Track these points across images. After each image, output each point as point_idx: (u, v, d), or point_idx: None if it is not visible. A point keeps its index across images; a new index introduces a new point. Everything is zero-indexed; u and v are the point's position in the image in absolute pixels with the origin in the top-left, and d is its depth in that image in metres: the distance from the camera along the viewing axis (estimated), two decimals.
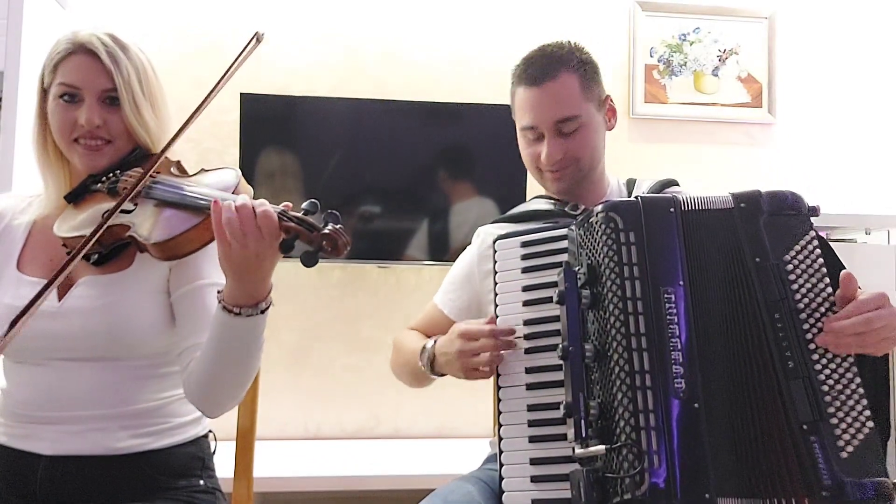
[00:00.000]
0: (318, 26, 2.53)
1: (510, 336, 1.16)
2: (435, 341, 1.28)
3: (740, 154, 2.71)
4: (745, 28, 2.69)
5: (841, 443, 0.94)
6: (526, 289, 1.19)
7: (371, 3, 2.56)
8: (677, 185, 1.45)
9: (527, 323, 1.17)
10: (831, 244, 1.08)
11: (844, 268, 1.04)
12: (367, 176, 2.42)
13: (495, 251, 1.25)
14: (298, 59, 2.52)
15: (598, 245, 1.05)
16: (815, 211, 1.06)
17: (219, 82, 1.13)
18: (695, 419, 0.95)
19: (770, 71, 2.70)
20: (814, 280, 1.01)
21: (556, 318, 1.09)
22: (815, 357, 0.98)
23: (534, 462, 1.09)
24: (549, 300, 1.11)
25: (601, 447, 0.94)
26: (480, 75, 2.55)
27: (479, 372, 1.17)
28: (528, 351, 1.15)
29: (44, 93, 1.21)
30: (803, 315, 1.00)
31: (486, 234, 1.46)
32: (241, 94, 2.33)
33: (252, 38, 1.15)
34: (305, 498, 2.23)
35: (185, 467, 1.22)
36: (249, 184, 1.17)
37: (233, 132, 2.37)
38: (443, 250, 2.42)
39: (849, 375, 0.97)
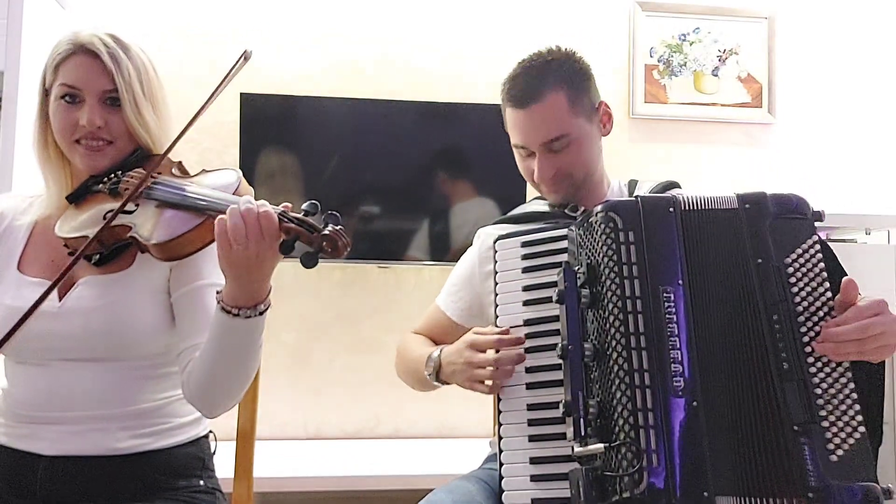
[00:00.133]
0: (318, 27, 2.54)
1: (517, 346, 1.15)
2: (441, 350, 1.28)
3: (740, 154, 2.71)
4: (745, 28, 2.70)
5: (831, 446, 0.94)
6: (526, 289, 1.19)
7: (371, 4, 2.56)
8: (679, 186, 1.45)
9: (527, 323, 1.17)
10: (831, 244, 1.08)
11: (846, 274, 1.04)
12: (367, 176, 2.42)
13: (496, 251, 1.25)
14: (298, 59, 2.52)
15: (597, 244, 1.05)
16: (819, 216, 1.06)
17: (207, 101, 1.13)
18: (694, 418, 0.95)
19: (770, 71, 2.70)
20: (814, 284, 1.01)
21: (556, 318, 1.09)
22: (811, 360, 0.98)
23: (533, 461, 1.10)
24: (549, 300, 1.11)
25: (600, 446, 0.94)
26: (481, 75, 2.55)
27: (482, 385, 1.17)
28: (527, 350, 1.16)
29: (45, 93, 1.21)
30: (801, 318, 1.00)
31: (486, 235, 1.47)
32: (241, 94, 2.33)
33: (240, 57, 1.14)
34: (305, 498, 2.23)
35: (185, 467, 1.22)
36: (249, 184, 1.17)
37: (233, 132, 2.37)
38: (443, 250, 2.42)
39: (843, 380, 0.97)
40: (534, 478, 1.09)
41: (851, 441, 0.94)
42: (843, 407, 0.96)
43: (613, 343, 0.99)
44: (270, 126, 2.38)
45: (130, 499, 1.15)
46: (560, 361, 1.04)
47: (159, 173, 1.17)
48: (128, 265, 1.18)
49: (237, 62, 1.14)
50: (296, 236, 1.00)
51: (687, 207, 1.07)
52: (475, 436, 2.39)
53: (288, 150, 2.39)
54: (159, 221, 1.10)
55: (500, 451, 1.12)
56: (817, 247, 1.03)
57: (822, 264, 1.02)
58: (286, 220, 1.00)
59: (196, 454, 1.25)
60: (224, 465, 1.34)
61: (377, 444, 2.40)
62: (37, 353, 1.15)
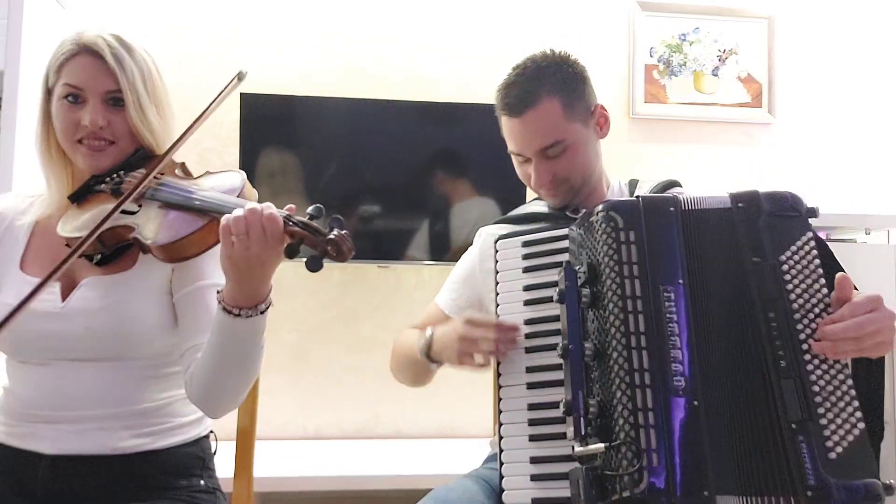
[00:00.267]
0: (318, 27, 2.54)
1: (514, 333, 1.16)
2: (436, 328, 1.29)
3: (740, 154, 2.71)
4: (745, 28, 2.70)
5: (830, 443, 0.93)
6: (527, 288, 1.19)
7: (371, 4, 2.56)
8: (679, 185, 1.45)
9: (527, 322, 1.17)
10: (831, 244, 1.08)
11: (843, 270, 1.04)
12: (367, 176, 2.42)
13: (497, 251, 1.25)
14: (298, 59, 2.52)
15: (598, 244, 1.05)
16: (813, 212, 1.06)
17: (199, 117, 1.12)
18: (694, 417, 0.95)
19: (770, 71, 2.70)
20: (809, 281, 1.01)
21: (556, 318, 1.09)
22: (808, 357, 0.98)
23: (534, 461, 1.10)
24: (550, 300, 1.12)
25: (600, 445, 0.94)
26: (481, 75, 2.55)
27: (472, 360, 1.17)
28: (528, 350, 1.16)
29: (48, 93, 1.21)
30: (797, 315, 0.99)
31: (487, 234, 1.47)
32: (241, 94, 2.33)
33: (234, 77, 1.14)
34: (305, 498, 2.23)
35: (186, 467, 1.22)
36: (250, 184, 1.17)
37: (233, 132, 2.37)
38: (443, 250, 2.42)
39: (840, 377, 0.97)
40: (534, 477, 1.09)
41: (850, 438, 0.94)
42: (842, 404, 0.95)
43: (614, 343, 0.99)
44: (270, 126, 2.38)
45: (131, 498, 1.15)
46: (560, 361, 1.04)
47: (162, 174, 1.17)
48: (130, 266, 1.19)
49: (231, 82, 1.14)
50: (301, 240, 1.00)
51: (685, 207, 1.07)
52: (475, 436, 2.39)
53: (288, 150, 2.39)
54: (163, 223, 1.10)
55: (501, 451, 1.12)
56: (812, 243, 1.03)
57: (817, 261, 1.02)
58: (291, 223, 1.00)
59: (197, 454, 1.25)
60: (224, 465, 1.34)
61: (377, 444, 2.40)
62: (39, 353, 1.15)
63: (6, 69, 1.96)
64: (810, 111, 2.75)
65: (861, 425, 0.94)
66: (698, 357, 0.98)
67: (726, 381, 0.99)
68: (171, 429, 1.21)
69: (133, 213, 1.13)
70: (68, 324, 1.14)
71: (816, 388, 0.96)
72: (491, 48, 2.58)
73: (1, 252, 1.22)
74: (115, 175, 1.19)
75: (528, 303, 1.18)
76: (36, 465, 1.13)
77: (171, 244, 1.08)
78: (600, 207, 1.06)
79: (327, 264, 0.99)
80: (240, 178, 1.15)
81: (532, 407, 1.13)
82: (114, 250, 1.16)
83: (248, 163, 2.34)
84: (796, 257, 1.02)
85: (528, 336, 1.16)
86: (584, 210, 1.36)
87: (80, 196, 1.20)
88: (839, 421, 0.95)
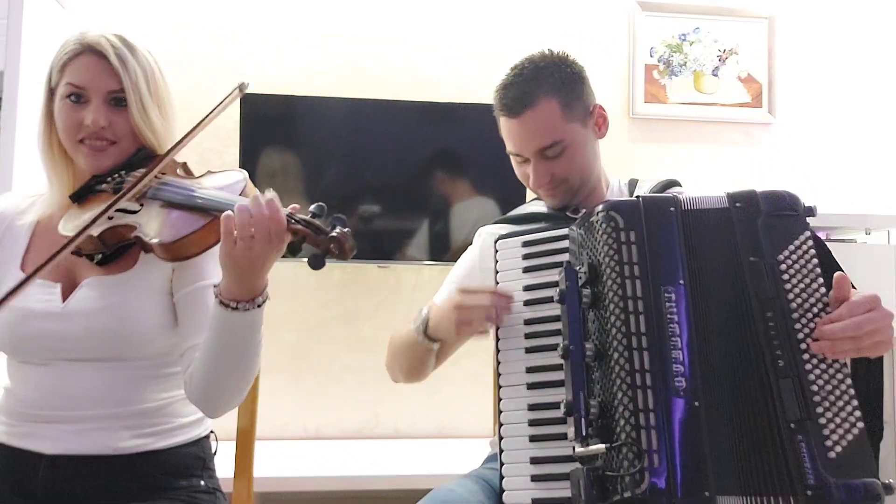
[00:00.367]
0: (318, 27, 2.53)
1: (510, 300, 1.16)
2: (432, 305, 1.29)
3: (740, 154, 2.71)
4: (745, 28, 2.70)
5: (829, 443, 0.93)
6: (527, 288, 1.19)
7: (371, 4, 2.56)
8: (679, 185, 1.45)
9: (528, 322, 1.17)
10: (831, 244, 1.07)
11: (841, 269, 1.04)
12: (367, 175, 2.42)
13: (497, 251, 1.25)
14: (298, 59, 2.52)
15: (598, 244, 1.05)
16: (811, 211, 1.05)
17: (198, 125, 1.13)
18: (695, 417, 0.95)
19: (770, 71, 2.70)
20: (807, 280, 1.01)
21: (557, 318, 1.09)
22: (806, 357, 0.97)
23: (534, 461, 1.09)
24: (550, 300, 1.12)
25: (601, 446, 0.94)
26: (481, 75, 2.55)
27: (471, 329, 1.17)
28: (528, 350, 1.16)
29: (50, 93, 1.21)
30: (795, 315, 0.99)
31: (487, 233, 1.47)
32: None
33: (235, 89, 1.14)
34: (305, 498, 2.23)
35: (186, 467, 1.22)
36: None
37: (233, 132, 2.37)
38: (443, 250, 2.42)
39: (839, 376, 0.96)
40: (534, 478, 1.09)
41: (850, 437, 0.93)
42: (841, 403, 0.95)
43: (615, 343, 0.99)
44: (270, 126, 2.38)
45: (131, 498, 1.15)
46: (561, 361, 1.04)
47: (164, 174, 1.17)
48: (131, 266, 1.19)
49: (231, 93, 1.14)
50: (303, 238, 1.01)
51: (685, 207, 1.07)
52: (475, 436, 2.38)
53: (288, 150, 2.39)
54: (165, 221, 1.10)
55: (501, 451, 1.12)
56: (810, 242, 1.03)
57: (815, 260, 1.02)
58: (294, 221, 1.01)
59: (197, 454, 1.25)
60: (224, 465, 1.34)
61: (377, 444, 2.40)
62: (40, 353, 1.15)
63: (6, 69, 1.96)
64: (810, 111, 2.75)
65: (860, 425, 0.94)
66: (698, 357, 0.98)
67: (726, 382, 0.99)
68: (172, 429, 1.21)
69: (135, 212, 1.13)
70: (69, 324, 1.14)
71: (815, 388, 0.96)
72: (491, 48, 2.58)
73: (1, 252, 1.22)
74: (116, 175, 1.19)
75: (528, 303, 1.18)
76: (36, 465, 1.13)
77: (174, 243, 1.08)
78: (600, 207, 1.06)
79: (328, 263, 0.99)
80: (242, 176, 1.16)
81: (532, 407, 1.12)
82: (115, 250, 1.16)
83: (248, 163, 2.34)
84: (794, 256, 1.02)
85: (528, 336, 1.16)
86: (583, 210, 1.36)
87: (81, 196, 1.20)
88: (838, 420, 0.94)
